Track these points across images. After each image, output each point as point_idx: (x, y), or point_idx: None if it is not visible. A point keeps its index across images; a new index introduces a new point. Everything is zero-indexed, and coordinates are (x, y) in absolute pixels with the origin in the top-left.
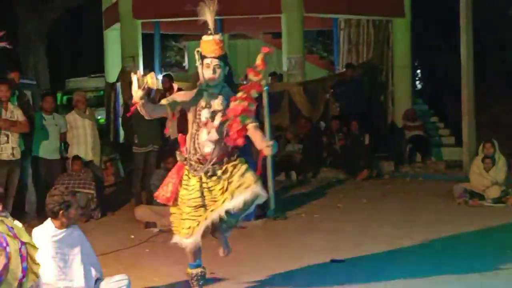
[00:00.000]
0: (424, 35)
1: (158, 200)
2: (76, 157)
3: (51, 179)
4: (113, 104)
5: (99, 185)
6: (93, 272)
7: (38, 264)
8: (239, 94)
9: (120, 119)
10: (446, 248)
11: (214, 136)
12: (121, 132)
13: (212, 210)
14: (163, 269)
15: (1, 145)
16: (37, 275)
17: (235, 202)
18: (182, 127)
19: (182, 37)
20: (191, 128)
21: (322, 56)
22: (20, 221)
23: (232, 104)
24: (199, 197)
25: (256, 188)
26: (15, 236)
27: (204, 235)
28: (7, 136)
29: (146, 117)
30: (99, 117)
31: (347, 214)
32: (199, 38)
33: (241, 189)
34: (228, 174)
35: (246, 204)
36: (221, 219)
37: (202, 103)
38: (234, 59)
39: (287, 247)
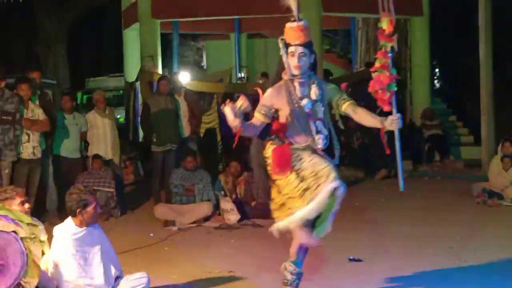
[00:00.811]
0: (442, 34)
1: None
2: (96, 156)
3: (72, 178)
4: (133, 103)
5: (118, 183)
6: (113, 270)
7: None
8: (376, 64)
9: (139, 118)
10: (465, 248)
11: (318, 128)
12: (140, 131)
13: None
14: (182, 267)
15: (22, 144)
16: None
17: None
18: (195, 126)
19: (201, 36)
20: (291, 121)
21: (340, 55)
22: (41, 219)
23: (375, 76)
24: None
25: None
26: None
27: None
28: (28, 135)
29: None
30: (118, 116)
31: (365, 213)
32: (217, 37)
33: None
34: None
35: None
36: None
37: (298, 93)
38: (251, 59)
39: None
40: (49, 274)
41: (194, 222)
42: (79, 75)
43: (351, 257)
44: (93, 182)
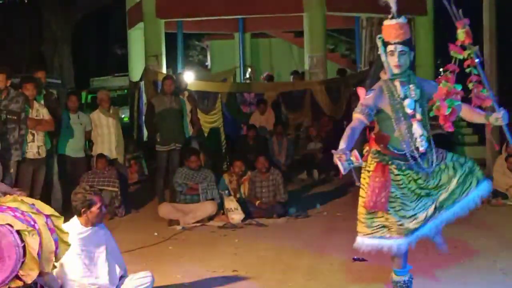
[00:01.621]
0: (447, 34)
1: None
2: (101, 155)
3: (77, 177)
4: (137, 103)
5: (123, 183)
6: (118, 269)
7: (66, 232)
8: (443, 75)
9: (143, 118)
10: (469, 247)
11: (419, 129)
12: (145, 131)
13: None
14: (186, 266)
15: (27, 144)
16: (68, 244)
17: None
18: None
19: (205, 36)
20: (394, 125)
21: (344, 55)
22: None
23: (439, 88)
24: (415, 193)
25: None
26: (38, 211)
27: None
28: (33, 135)
29: None
30: (123, 116)
31: None
32: (221, 37)
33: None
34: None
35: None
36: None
37: (399, 93)
38: (256, 58)
39: (309, 245)
40: (54, 273)
41: (198, 221)
42: (84, 74)
43: (356, 257)
44: (97, 181)
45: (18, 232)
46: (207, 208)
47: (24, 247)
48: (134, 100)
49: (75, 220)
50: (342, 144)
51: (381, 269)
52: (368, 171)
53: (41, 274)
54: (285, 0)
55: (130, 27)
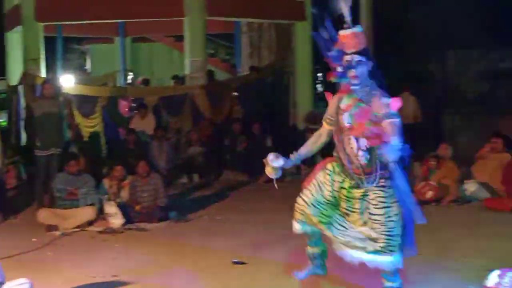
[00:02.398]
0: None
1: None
2: None
3: None
4: (15, 107)
5: (0, 188)
6: None
7: None
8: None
9: (22, 122)
10: None
11: (355, 143)
12: (23, 135)
13: (341, 233)
14: (66, 272)
15: None
16: None
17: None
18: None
19: (85, 40)
20: (337, 136)
21: (223, 59)
22: None
23: (359, 109)
24: (332, 196)
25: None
26: None
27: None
28: None
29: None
30: (0, 120)
31: (250, 216)
32: (101, 41)
33: (372, 247)
34: (371, 205)
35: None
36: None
37: (343, 106)
38: (137, 62)
39: (189, 249)
40: None
41: (78, 227)
42: None
43: (236, 260)
44: None
45: None
46: (87, 213)
47: None
48: (12, 104)
49: None
50: (300, 149)
51: (259, 271)
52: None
53: None
54: (166, 4)
55: (7, 29)
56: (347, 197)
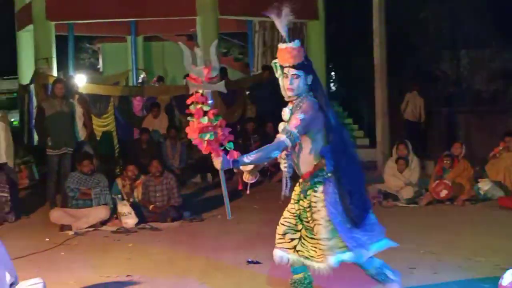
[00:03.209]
0: (338, 38)
1: None
2: None
3: None
4: (27, 106)
5: (13, 188)
6: (8, 276)
7: None
8: (191, 108)
9: (33, 122)
10: None
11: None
12: (35, 135)
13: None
14: (79, 272)
15: None
16: None
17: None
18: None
19: (96, 39)
20: None
21: (237, 58)
22: None
23: (190, 123)
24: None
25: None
26: None
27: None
28: None
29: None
30: (12, 120)
31: (264, 215)
32: (113, 40)
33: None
34: (309, 215)
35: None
36: None
37: (283, 116)
38: (148, 62)
39: (203, 248)
40: None
41: (91, 226)
42: None
43: (250, 259)
44: None
45: None
46: (100, 212)
47: None
48: (24, 104)
49: None
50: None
51: (276, 271)
52: None
53: None
54: (178, 3)
55: (19, 29)
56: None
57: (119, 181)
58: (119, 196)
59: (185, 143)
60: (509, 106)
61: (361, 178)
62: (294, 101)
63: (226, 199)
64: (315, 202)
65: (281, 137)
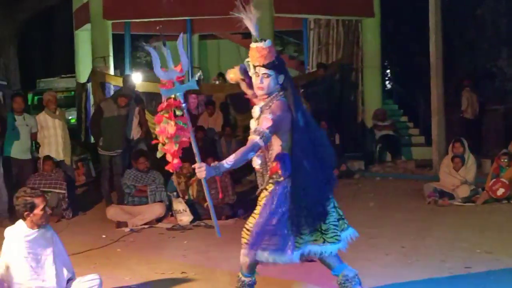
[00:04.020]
0: (394, 36)
1: None
2: (47, 157)
3: (23, 179)
4: (84, 105)
5: (70, 185)
6: (65, 272)
7: None
8: (162, 112)
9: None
10: (417, 247)
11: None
12: None
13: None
14: (134, 268)
15: None
16: None
17: None
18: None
19: (153, 37)
20: None
21: (292, 56)
22: None
23: (161, 127)
24: None
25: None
26: None
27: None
28: None
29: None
30: (70, 118)
31: None
32: (168, 38)
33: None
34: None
35: None
36: None
37: (253, 113)
38: (204, 59)
39: None
40: (0, 277)
41: (146, 223)
42: (30, 76)
43: None
44: (44, 183)
45: None
46: (156, 209)
47: None
48: (81, 102)
49: (20, 223)
50: None
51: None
52: None
53: None
54: (233, 1)
55: (77, 28)
56: None
57: (174, 179)
58: (175, 193)
59: (240, 141)
60: None
61: (323, 181)
62: (264, 100)
63: (214, 216)
64: (263, 198)
65: (255, 138)
